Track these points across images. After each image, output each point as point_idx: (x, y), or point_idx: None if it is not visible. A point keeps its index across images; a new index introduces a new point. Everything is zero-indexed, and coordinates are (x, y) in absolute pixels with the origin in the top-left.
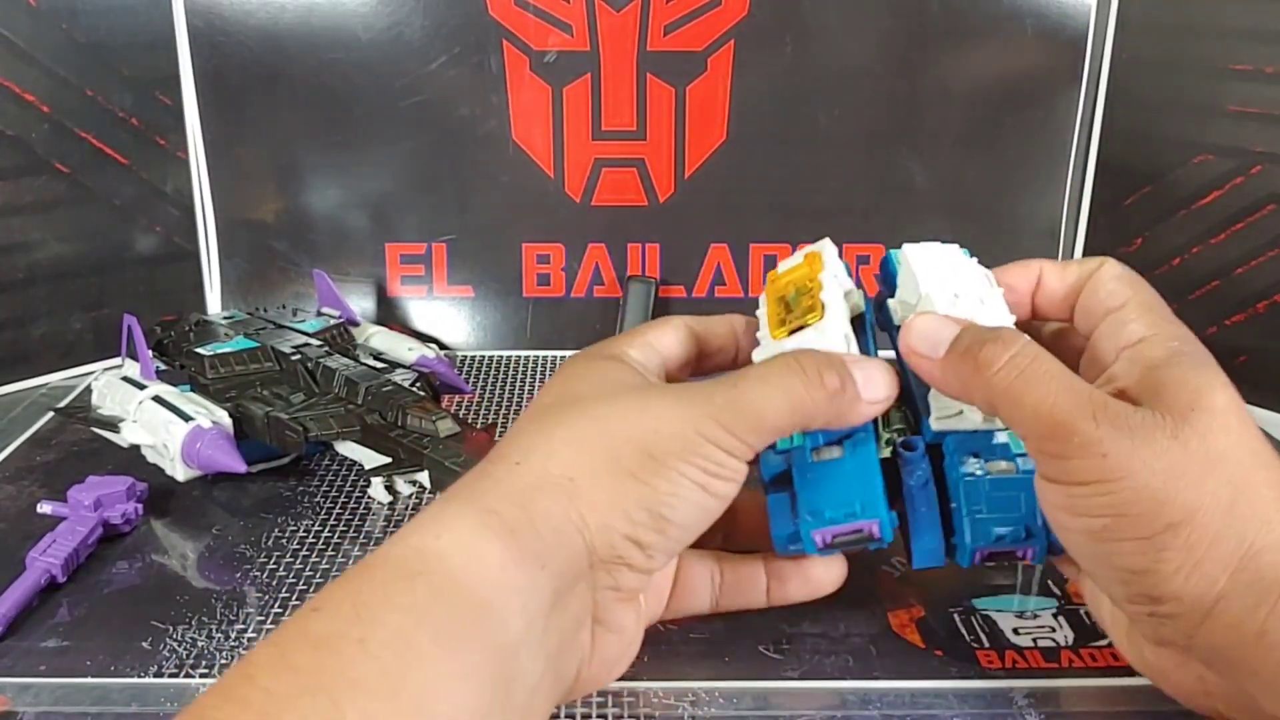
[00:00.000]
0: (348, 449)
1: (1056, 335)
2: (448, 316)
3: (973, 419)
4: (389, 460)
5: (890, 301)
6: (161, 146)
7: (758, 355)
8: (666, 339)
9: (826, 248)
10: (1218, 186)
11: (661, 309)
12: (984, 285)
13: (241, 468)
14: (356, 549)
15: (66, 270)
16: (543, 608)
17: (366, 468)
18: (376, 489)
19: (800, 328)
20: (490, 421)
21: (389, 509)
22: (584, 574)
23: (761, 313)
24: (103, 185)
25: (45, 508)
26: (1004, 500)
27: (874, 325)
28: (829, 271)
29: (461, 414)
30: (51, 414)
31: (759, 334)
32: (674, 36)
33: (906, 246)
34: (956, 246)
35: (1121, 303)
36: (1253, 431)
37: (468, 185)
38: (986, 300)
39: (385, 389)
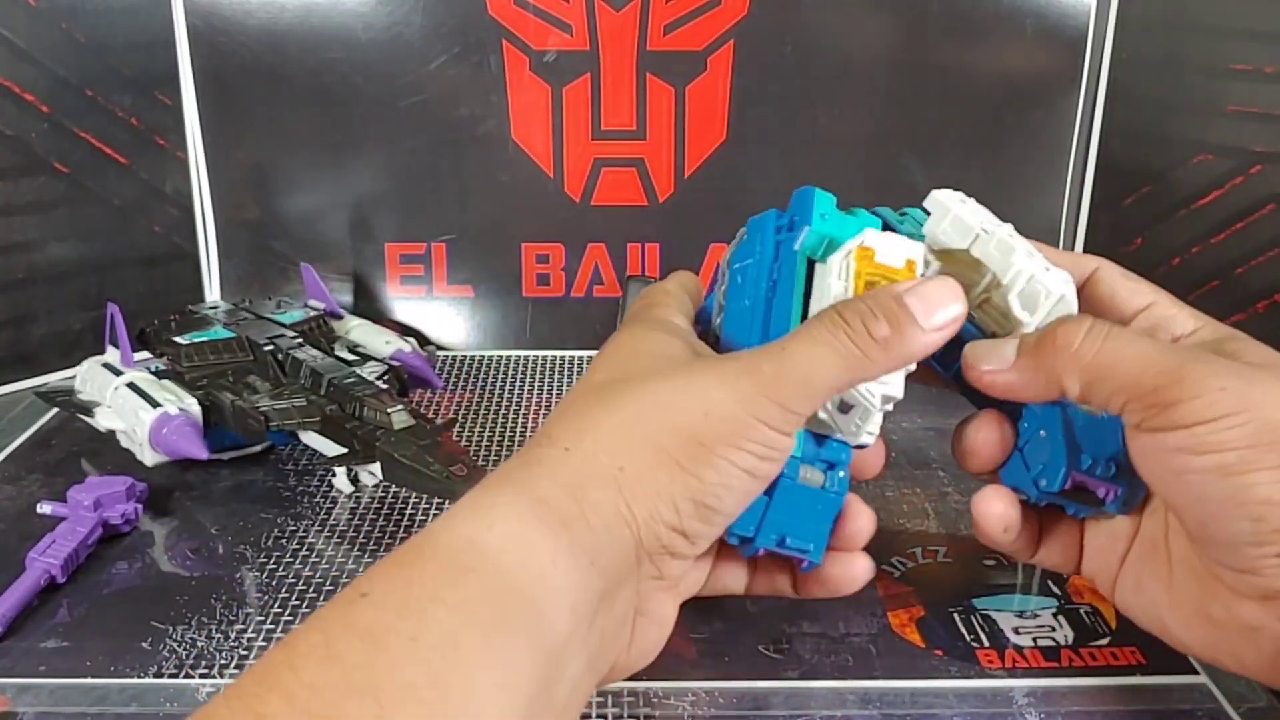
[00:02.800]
0: (310, 439)
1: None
2: (447, 316)
3: None
4: (346, 451)
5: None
6: (161, 146)
7: None
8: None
9: (920, 257)
10: (1218, 186)
11: None
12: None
13: (204, 454)
14: (356, 549)
15: (66, 270)
16: (590, 607)
17: (327, 456)
18: (340, 479)
19: None
20: (452, 418)
21: (353, 500)
22: (632, 570)
23: (840, 285)
24: (103, 185)
25: (45, 508)
26: (1098, 433)
27: None
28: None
29: (460, 413)
30: (52, 414)
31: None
32: (674, 36)
33: (936, 191)
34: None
35: (1149, 301)
36: None
37: (468, 185)
38: (1033, 252)
39: (348, 380)
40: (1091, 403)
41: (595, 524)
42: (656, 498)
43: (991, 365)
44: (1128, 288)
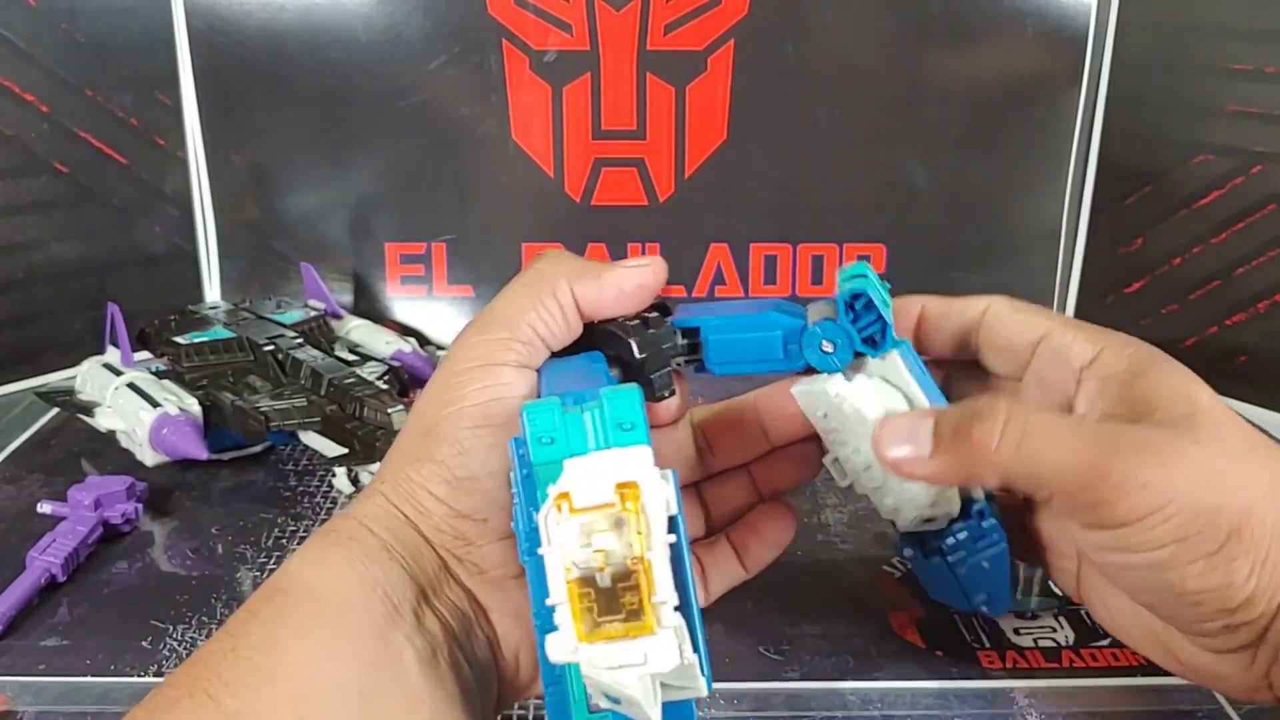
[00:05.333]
0: (311, 439)
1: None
2: (448, 316)
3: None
4: (346, 451)
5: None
6: (161, 146)
7: (556, 653)
8: (550, 326)
9: (644, 472)
10: (1218, 186)
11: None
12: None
13: (204, 454)
14: None
15: (66, 270)
16: (407, 593)
17: (328, 457)
18: (340, 479)
19: (623, 634)
20: None
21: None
22: (439, 566)
23: (554, 577)
24: (103, 185)
25: (45, 507)
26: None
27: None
28: (653, 519)
29: None
30: (52, 414)
31: (557, 616)
32: (674, 36)
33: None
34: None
35: (1043, 332)
36: (1237, 419)
37: (468, 185)
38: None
39: (348, 381)
40: (1015, 494)
41: (377, 530)
42: (413, 495)
43: (906, 451)
44: (1019, 322)
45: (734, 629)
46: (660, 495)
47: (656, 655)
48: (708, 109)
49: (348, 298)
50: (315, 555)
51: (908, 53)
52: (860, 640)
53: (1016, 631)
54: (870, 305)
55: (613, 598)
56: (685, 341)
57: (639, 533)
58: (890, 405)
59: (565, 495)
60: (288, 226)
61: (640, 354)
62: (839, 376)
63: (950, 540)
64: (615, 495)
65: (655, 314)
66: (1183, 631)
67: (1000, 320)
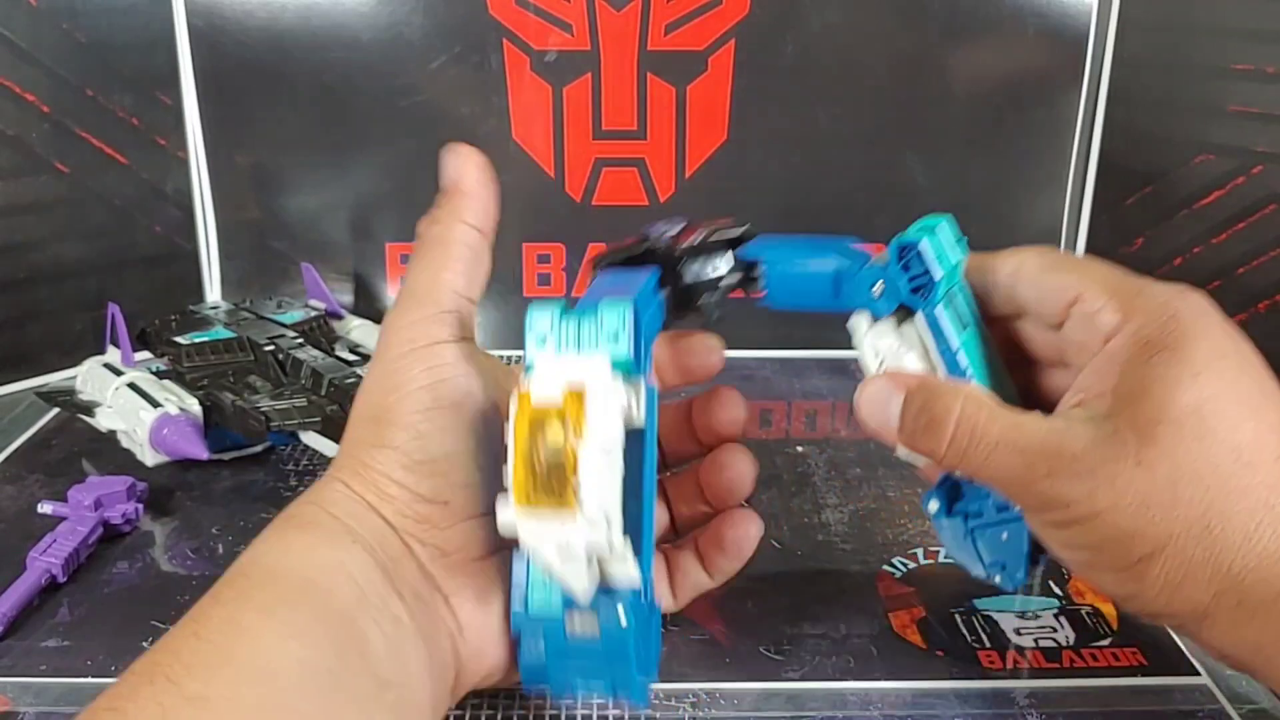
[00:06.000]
0: (311, 439)
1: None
2: None
3: None
4: None
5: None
6: (161, 146)
7: (503, 518)
8: (467, 276)
9: (597, 377)
10: (1219, 186)
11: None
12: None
13: (204, 455)
14: None
15: (66, 270)
16: (372, 577)
17: (328, 457)
18: None
19: (549, 506)
20: None
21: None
22: (402, 550)
23: (509, 446)
24: (103, 185)
25: (45, 508)
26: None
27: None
28: (592, 421)
29: None
30: (52, 414)
31: (506, 481)
32: (675, 36)
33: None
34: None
35: (1075, 294)
36: (1234, 416)
37: None
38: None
39: (348, 381)
40: None
41: (339, 514)
42: (374, 482)
43: (877, 426)
44: (1050, 285)
45: (734, 629)
46: (613, 401)
47: (574, 530)
48: (708, 109)
49: (348, 298)
50: (276, 539)
51: (908, 53)
52: (860, 640)
53: (1017, 631)
54: (920, 257)
55: (548, 482)
56: (741, 274)
57: (575, 432)
58: (900, 362)
59: (525, 395)
60: (288, 226)
61: (688, 280)
62: (865, 320)
63: (975, 505)
64: (562, 396)
65: (718, 240)
66: None
67: (1030, 284)
